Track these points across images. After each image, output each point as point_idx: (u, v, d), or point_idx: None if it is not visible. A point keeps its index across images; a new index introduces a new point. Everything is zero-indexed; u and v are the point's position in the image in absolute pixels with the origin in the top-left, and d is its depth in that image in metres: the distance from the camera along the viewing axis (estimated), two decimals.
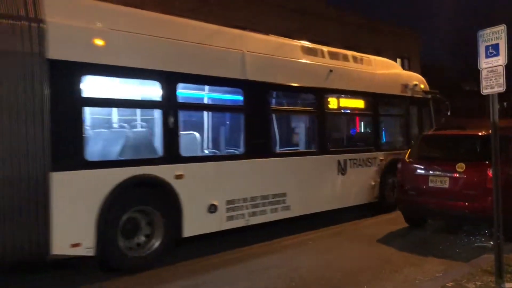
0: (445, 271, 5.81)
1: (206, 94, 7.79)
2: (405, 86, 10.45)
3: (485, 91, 5.55)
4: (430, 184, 7.61)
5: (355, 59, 9.62)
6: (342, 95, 9.26)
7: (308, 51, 8.66)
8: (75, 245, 5.40)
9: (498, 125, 5.45)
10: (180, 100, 6.58)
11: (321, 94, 8.64)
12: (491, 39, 5.47)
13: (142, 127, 7.08)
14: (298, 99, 9.06)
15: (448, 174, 7.40)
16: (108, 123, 6.85)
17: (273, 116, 8.01)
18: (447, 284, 5.16)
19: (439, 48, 56.43)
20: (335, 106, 9.18)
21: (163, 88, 6.33)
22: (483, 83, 5.54)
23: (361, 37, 27.65)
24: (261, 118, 7.60)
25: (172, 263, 6.35)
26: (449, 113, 11.31)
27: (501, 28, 5.38)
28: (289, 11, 23.91)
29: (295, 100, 9.07)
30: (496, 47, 5.43)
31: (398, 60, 30.17)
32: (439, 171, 7.53)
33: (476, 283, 5.19)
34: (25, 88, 5.02)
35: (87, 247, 5.49)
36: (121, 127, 6.91)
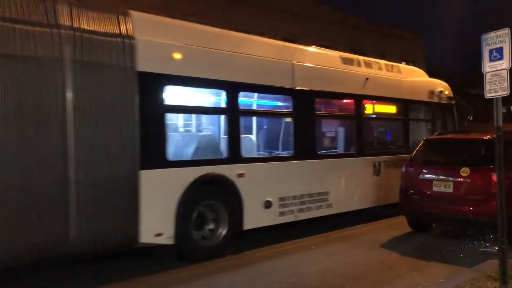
0: (449, 277, 5.75)
1: (261, 102, 8.61)
2: (432, 93, 11.05)
3: (488, 95, 5.50)
4: (434, 189, 7.56)
5: (387, 67, 10.33)
6: (377, 102, 10.00)
7: (347, 61, 9.34)
8: (159, 234, 6.12)
9: (502, 129, 5.40)
10: (241, 106, 7.42)
11: (358, 100, 9.37)
12: (495, 43, 5.43)
13: (210, 131, 7.96)
14: (339, 105, 9.88)
15: (452, 179, 7.35)
16: (183, 127, 7.80)
17: (318, 121, 8.91)
18: None
19: (444, 52, 56.19)
20: (371, 112, 9.98)
21: (228, 96, 7.18)
22: (487, 87, 5.49)
23: (366, 41, 27.64)
24: (307, 123, 8.35)
25: (171, 268, 6.35)
26: (471, 118, 11.77)
27: (505, 32, 5.33)
28: (293, 15, 23.94)
29: (336, 106, 9.90)
30: (500, 50, 5.38)
31: (403, 63, 30.21)
32: (443, 176, 7.48)
33: None
34: (120, 97, 5.79)
35: (167, 236, 6.22)
36: (194, 131, 7.90)
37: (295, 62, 8.12)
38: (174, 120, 7.32)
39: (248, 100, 8.06)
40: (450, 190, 7.37)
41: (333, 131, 9.89)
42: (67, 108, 5.38)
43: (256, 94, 8.20)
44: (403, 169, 8.19)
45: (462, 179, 7.22)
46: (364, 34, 27.60)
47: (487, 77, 5.48)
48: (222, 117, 7.58)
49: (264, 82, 7.60)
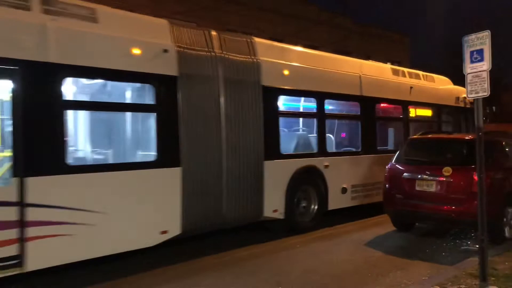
0: (431, 275, 5.84)
1: (338, 107, 10.27)
2: (457, 98, 12.77)
3: (470, 96, 5.61)
4: (417, 188, 7.66)
5: (424, 77, 12.13)
6: (418, 107, 11.76)
7: (395, 72, 11.21)
8: (275, 210, 7.93)
9: (483, 130, 5.50)
10: (325, 111, 9.33)
11: (405, 105, 11.18)
12: (476, 45, 5.52)
13: (306, 131, 9.72)
14: (391, 110, 11.44)
15: (434, 178, 7.46)
16: (288, 128, 9.46)
17: (378, 122, 10.56)
18: None
19: (430, 53, 56.86)
20: (414, 115, 11.72)
21: (317, 103, 9.10)
22: (468, 88, 5.59)
23: (352, 41, 27.81)
24: (370, 124, 10.21)
25: (159, 266, 6.36)
26: (488, 120, 13.94)
27: (486, 34, 5.43)
28: (281, 15, 23.98)
29: (389, 110, 11.45)
30: (480, 52, 5.48)
31: (388, 63, 30.44)
32: (426, 175, 7.58)
33: (461, 286, 5.23)
34: (252, 106, 7.59)
35: (280, 212, 8.02)
36: (296, 131, 9.73)
37: (361, 74, 10.02)
38: (283, 122, 8.77)
39: (330, 105, 9.72)
40: (433, 189, 7.47)
41: (386, 131, 11.36)
42: (221, 113, 7.08)
43: (335, 101, 9.90)
44: (387, 169, 8.27)
45: (444, 179, 7.33)
46: (351, 34, 27.76)
47: (468, 78, 5.58)
48: (313, 120, 9.32)
49: (342, 91, 9.52)
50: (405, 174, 7.89)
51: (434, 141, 8.56)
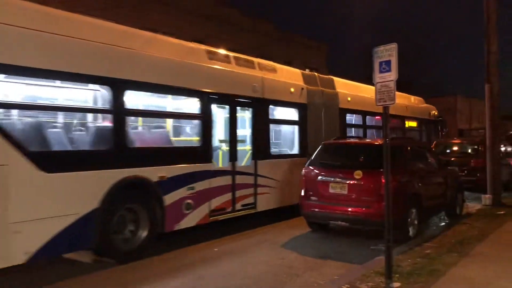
0: (342, 274, 6.09)
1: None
2: (429, 113, 17.91)
3: (378, 104, 5.94)
4: (331, 191, 7.97)
5: (414, 99, 17.25)
6: (410, 120, 16.33)
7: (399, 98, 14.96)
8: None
9: (389, 135, 5.86)
10: (367, 123, 13.65)
11: (402, 119, 15.56)
12: (384, 56, 5.86)
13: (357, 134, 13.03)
14: (396, 122, 15.22)
15: (346, 181, 7.82)
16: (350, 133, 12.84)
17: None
18: (343, 287, 5.41)
19: (346, 61, 59.74)
20: (408, 126, 16.09)
21: (362, 118, 13.28)
22: (377, 96, 5.92)
23: (273, 47, 28.35)
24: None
25: (85, 277, 6.02)
26: (447, 129, 19.44)
27: (393, 46, 5.79)
28: (203, 17, 23.86)
29: (395, 122, 15.10)
30: (388, 63, 5.83)
31: (307, 70, 31.42)
32: (338, 178, 7.92)
33: (369, 284, 5.50)
34: (335, 119, 11.81)
35: None
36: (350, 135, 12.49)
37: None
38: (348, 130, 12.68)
39: (370, 119, 13.95)
40: (345, 191, 7.83)
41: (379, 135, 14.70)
42: (323, 124, 11.44)
43: (373, 117, 13.83)
44: (303, 172, 8.52)
45: (355, 182, 7.70)
46: (272, 40, 28.32)
47: (377, 87, 5.91)
48: (361, 128, 13.46)
49: (374, 110, 11.48)
50: (319, 177, 8.18)
51: (347, 145, 8.97)
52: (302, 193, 8.39)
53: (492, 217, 9.88)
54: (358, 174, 7.65)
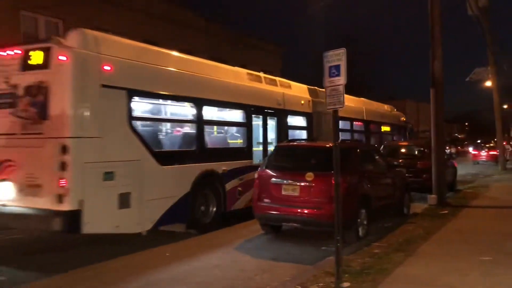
0: (293, 275, 6.15)
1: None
2: (399, 119, 21.46)
3: (328, 107, 6.06)
4: (283, 193, 8.05)
5: (388, 107, 20.93)
6: (386, 125, 19.87)
7: (378, 106, 19.95)
8: None
9: (338, 138, 6.00)
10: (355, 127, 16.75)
11: (379, 125, 19.11)
12: (334, 61, 6.00)
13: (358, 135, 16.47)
14: (371, 126, 18.36)
15: (298, 183, 7.92)
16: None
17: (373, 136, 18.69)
18: None
19: (302, 65, 60.65)
20: (384, 130, 19.67)
21: (351, 123, 16.41)
22: (327, 100, 6.04)
23: (228, 50, 28.34)
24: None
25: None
26: (413, 133, 23.97)
27: (342, 51, 5.93)
28: (155, 17, 23.47)
29: (369, 127, 18.10)
30: (337, 68, 5.97)
31: (261, 73, 31.60)
32: (291, 180, 8.02)
33: (319, 284, 5.60)
34: (329, 126, 11.61)
35: None
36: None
37: (364, 107, 17.81)
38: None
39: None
40: (297, 193, 7.93)
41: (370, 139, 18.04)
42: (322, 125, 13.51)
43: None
44: (256, 175, 8.57)
45: (307, 184, 7.82)
46: (226, 43, 28.30)
47: (327, 91, 6.04)
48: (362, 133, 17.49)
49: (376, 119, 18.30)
50: (272, 179, 8.25)
51: (299, 148, 9.09)
52: (256, 195, 8.42)
53: (437, 216, 10.30)
54: (309, 176, 7.77)
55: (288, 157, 8.83)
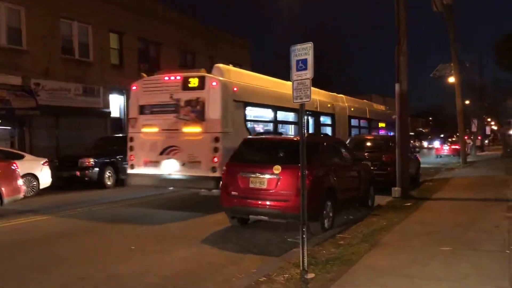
0: (260, 267, 6.20)
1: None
2: (391, 117, 20.77)
3: (295, 101, 6.11)
4: (251, 185, 8.09)
5: (383, 107, 24.86)
6: (381, 122, 23.06)
7: (370, 105, 23.17)
8: None
9: (305, 131, 6.07)
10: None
11: (372, 122, 21.88)
12: (301, 54, 6.03)
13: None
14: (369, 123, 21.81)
15: (266, 176, 7.97)
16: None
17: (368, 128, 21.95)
18: (260, 279, 5.52)
19: (270, 58, 60.79)
20: (380, 126, 22.80)
21: (359, 120, 21.02)
22: (294, 93, 6.09)
23: (197, 41, 28.10)
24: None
25: None
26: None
27: (309, 45, 5.97)
28: (125, 8, 23.04)
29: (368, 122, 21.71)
30: (305, 61, 6.01)
31: (230, 65, 31.48)
32: (258, 173, 8.05)
33: (285, 275, 5.66)
34: (345, 122, 18.82)
35: None
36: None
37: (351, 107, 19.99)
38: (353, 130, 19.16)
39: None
40: (265, 186, 7.98)
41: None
42: (338, 124, 17.97)
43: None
44: (224, 167, 8.57)
45: (274, 176, 7.88)
46: (196, 35, 28.05)
47: (294, 85, 6.08)
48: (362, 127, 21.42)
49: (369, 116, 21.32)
50: (240, 172, 8.26)
51: (267, 141, 9.14)
52: (223, 188, 8.42)
53: (400, 208, 10.58)
54: (277, 169, 7.82)
55: (256, 150, 8.86)
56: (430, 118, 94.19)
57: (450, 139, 43.67)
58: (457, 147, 32.95)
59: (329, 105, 17.22)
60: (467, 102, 47.26)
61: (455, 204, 11.45)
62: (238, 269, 6.24)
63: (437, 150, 39.39)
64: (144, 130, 11.30)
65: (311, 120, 15.83)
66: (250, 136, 9.69)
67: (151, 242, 7.77)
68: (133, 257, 6.85)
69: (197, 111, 10.62)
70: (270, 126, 13.27)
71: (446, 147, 38.57)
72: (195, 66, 28.22)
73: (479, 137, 51.56)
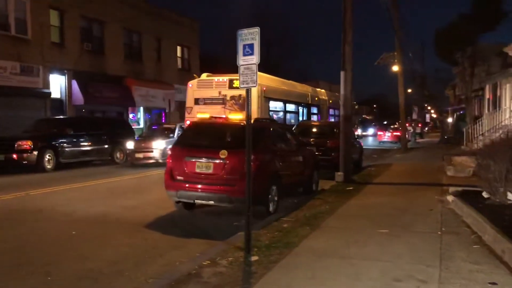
0: (204, 251, 6.22)
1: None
2: (354, 106, 23.43)
3: (242, 86, 6.11)
4: (197, 170, 8.05)
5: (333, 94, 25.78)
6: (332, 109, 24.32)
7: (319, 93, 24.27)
8: None
9: (251, 116, 6.12)
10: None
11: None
12: (248, 39, 6.02)
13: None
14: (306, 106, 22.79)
15: (212, 161, 7.96)
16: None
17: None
18: (204, 263, 5.54)
19: (219, 41, 60.23)
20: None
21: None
22: (241, 78, 6.09)
23: (143, 21, 27.27)
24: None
25: None
26: (363, 115, 53.88)
27: (256, 30, 5.97)
28: None
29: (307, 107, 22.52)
30: (251, 46, 6.01)
31: (178, 48, 30.89)
32: (204, 158, 8.02)
33: (229, 259, 5.71)
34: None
35: None
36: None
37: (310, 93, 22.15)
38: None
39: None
40: (211, 170, 7.97)
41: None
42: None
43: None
44: (169, 152, 8.46)
45: (221, 161, 7.88)
46: (142, 15, 27.21)
47: (241, 69, 6.08)
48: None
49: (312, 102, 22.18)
50: (186, 156, 8.19)
51: (213, 125, 9.09)
52: (168, 173, 8.32)
53: (342, 192, 10.93)
54: (223, 153, 7.83)
55: (202, 135, 8.81)
56: (375, 106, 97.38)
57: (392, 126, 45.39)
58: (398, 133, 34.29)
59: (316, 98, 21.48)
60: (409, 90, 49.29)
61: (394, 188, 11.98)
62: (182, 253, 6.23)
63: (380, 136, 40.86)
64: (198, 115, 12.35)
65: (305, 110, 20.18)
66: (195, 120, 9.58)
67: (92, 227, 7.59)
68: (73, 243, 6.67)
69: (239, 104, 14.80)
70: (281, 115, 17.80)
71: (388, 134, 40.07)
72: (141, 47, 27.52)
73: (420, 125, 54.06)
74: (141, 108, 27.59)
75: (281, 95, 17.43)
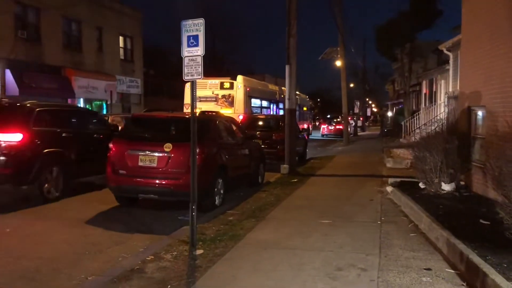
0: (148, 246, 6.10)
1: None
2: (310, 103, 36.42)
3: (186, 78, 6.02)
4: (140, 164, 7.86)
5: (303, 95, 31.78)
6: (304, 107, 31.46)
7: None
8: None
9: (195, 109, 6.05)
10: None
11: (301, 107, 29.41)
12: (192, 30, 5.94)
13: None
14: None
15: (156, 154, 7.80)
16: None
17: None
18: (147, 258, 5.44)
19: (163, 32, 59.07)
20: (303, 110, 30.73)
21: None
22: (185, 70, 5.99)
23: (83, 11, 26.15)
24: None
25: None
26: (316, 111, 59.52)
27: (201, 21, 5.89)
28: None
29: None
30: (196, 38, 5.93)
31: (121, 38, 29.94)
32: (148, 151, 7.85)
33: (173, 253, 5.65)
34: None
35: None
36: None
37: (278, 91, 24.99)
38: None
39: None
40: (155, 164, 7.81)
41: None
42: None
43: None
44: (110, 145, 8.20)
45: (165, 154, 7.74)
46: (82, 2, 26.06)
47: (185, 61, 5.98)
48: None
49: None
50: (128, 150, 7.97)
51: (156, 119, 8.91)
52: (110, 167, 8.06)
53: (287, 184, 11.10)
54: (168, 146, 7.70)
55: (146, 127, 8.61)
56: (319, 100, 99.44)
57: (335, 120, 46.59)
58: (341, 127, 35.26)
59: (282, 95, 22.80)
60: (351, 85, 50.74)
61: (336, 180, 12.32)
62: (125, 248, 6.07)
63: (323, 130, 41.82)
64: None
65: (275, 106, 23.27)
66: (138, 113, 9.35)
67: (28, 223, 7.23)
68: (7, 241, 6.32)
69: (228, 102, 18.08)
70: (259, 110, 20.63)
71: (331, 127, 41.08)
72: (82, 36, 26.39)
73: (361, 118, 55.86)
74: (81, 100, 26.52)
75: (259, 94, 20.95)
